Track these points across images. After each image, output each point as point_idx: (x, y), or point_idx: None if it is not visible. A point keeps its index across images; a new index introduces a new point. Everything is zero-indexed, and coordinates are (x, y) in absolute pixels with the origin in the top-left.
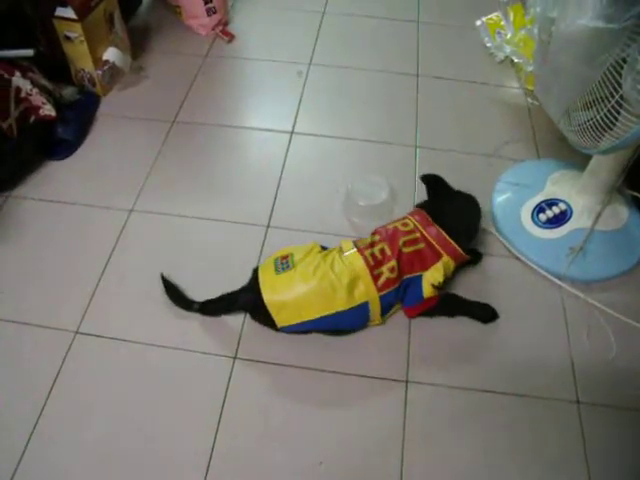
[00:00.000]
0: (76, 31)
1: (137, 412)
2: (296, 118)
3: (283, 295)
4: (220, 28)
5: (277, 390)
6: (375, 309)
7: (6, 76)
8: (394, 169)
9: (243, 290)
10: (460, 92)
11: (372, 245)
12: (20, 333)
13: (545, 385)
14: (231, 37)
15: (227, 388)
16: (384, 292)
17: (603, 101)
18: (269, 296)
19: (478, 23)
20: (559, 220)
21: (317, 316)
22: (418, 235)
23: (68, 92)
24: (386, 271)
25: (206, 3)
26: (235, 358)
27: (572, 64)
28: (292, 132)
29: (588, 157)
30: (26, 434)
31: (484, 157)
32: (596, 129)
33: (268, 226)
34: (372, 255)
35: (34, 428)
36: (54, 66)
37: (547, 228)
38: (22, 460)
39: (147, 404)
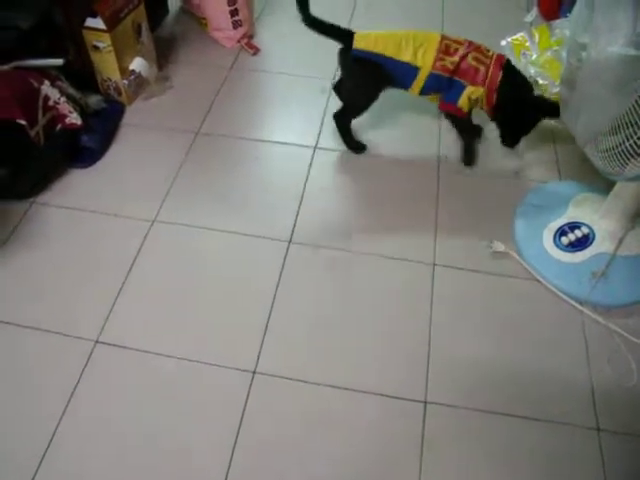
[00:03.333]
0: (105, 41)
1: (154, 425)
2: (319, 133)
3: (369, 33)
4: (245, 41)
5: (295, 406)
6: (420, 79)
7: (35, 85)
8: (417, 180)
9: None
10: (483, 112)
11: (455, 42)
12: (39, 340)
13: (565, 411)
14: (256, 50)
15: (245, 403)
16: (435, 72)
17: (631, 126)
18: (358, 34)
19: (503, 43)
20: (581, 244)
21: (385, 53)
22: (488, 62)
23: (94, 101)
24: (448, 62)
25: (232, 16)
26: (254, 372)
27: (603, 91)
28: (315, 147)
29: (612, 181)
30: (43, 445)
31: (506, 179)
32: (623, 156)
33: (290, 241)
34: (447, 45)
35: (51, 439)
36: (81, 75)
37: (569, 252)
38: (38, 472)
39: (164, 417)
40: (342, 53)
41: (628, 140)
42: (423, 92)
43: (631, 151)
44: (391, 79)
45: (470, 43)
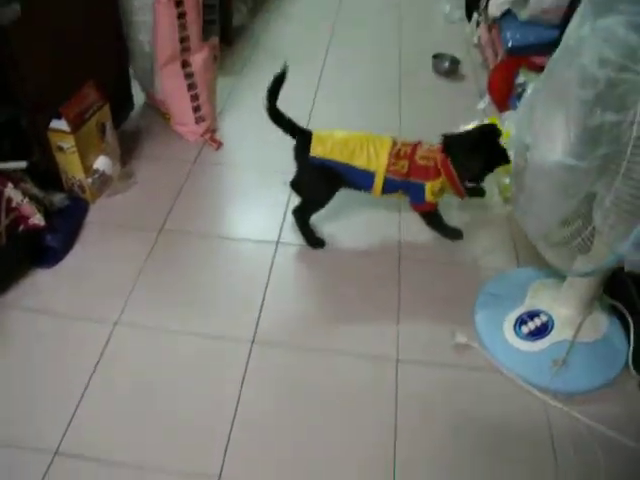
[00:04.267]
0: (69, 142)
1: None
2: (281, 228)
3: (325, 137)
4: (208, 135)
5: None
6: (378, 183)
7: None
8: (378, 271)
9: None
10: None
11: (404, 145)
12: None
13: None
14: (219, 144)
15: None
16: (389, 175)
17: (580, 218)
18: (315, 135)
19: None
20: (541, 332)
21: (340, 160)
22: (433, 155)
23: (58, 199)
24: (400, 166)
25: (195, 111)
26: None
27: (547, 194)
28: (277, 242)
29: None
30: None
31: (466, 267)
32: (571, 253)
33: (253, 341)
34: (399, 150)
35: None
36: (46, 174)
37: (529, 341)
38: None
39: None
40: (298, 152)
41: (575, 238)
42: (385, 193)
43: (579, 248)
44: (349, 182)
45: (416, 145)
